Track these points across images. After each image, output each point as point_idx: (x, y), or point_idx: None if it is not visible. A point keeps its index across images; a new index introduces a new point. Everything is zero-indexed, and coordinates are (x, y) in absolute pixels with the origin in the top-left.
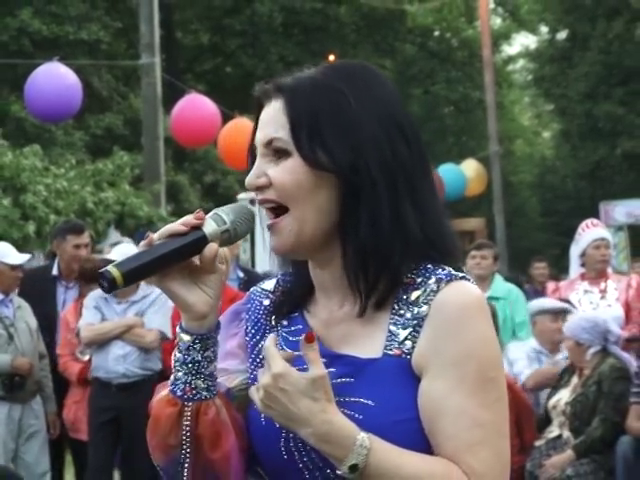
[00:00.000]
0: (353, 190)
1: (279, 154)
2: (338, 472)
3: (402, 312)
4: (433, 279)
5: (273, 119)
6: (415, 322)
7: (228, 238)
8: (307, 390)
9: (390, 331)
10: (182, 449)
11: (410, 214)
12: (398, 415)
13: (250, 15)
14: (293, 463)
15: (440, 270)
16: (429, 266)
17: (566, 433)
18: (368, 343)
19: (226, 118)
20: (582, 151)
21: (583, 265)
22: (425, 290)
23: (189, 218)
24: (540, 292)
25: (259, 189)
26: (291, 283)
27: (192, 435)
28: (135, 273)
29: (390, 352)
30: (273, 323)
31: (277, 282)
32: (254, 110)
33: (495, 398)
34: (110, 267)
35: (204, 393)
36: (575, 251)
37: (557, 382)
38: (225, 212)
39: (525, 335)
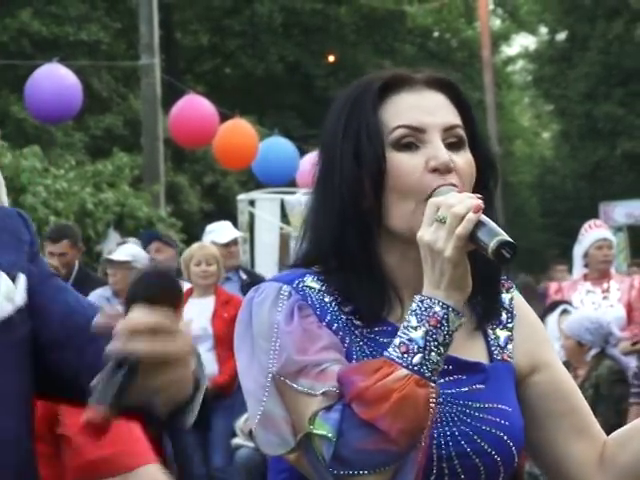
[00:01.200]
0: (489, 193)
1: (458, 144)
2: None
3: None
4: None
5: (443, 106)
6: (509, 325)
7: None
8: None
9: (487, 336)
10: (425, 431)
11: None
12: (520, 419)
13: (250, 16)
14: (432, 468)
15: None
16: None
17: None
18: (472, 349)
19: (226, 118)
20: (582, 151)
21: (586, 266)
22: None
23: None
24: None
25: (448, 171)
26: (367, 291)
27: (433, 417)
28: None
29: (498, 357)
30: (360, 331)
31: (316, 279)
32: (370, 96)
33: None
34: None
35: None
36: (578, 251)
37: None
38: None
39: None
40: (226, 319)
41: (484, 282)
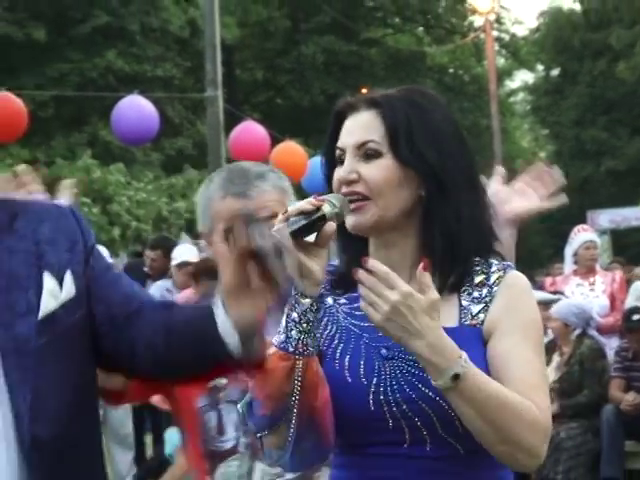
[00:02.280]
0: (440, 187)
1: (370, 155)
2: (419, 420)
3: (471, 291)
4: (494, 267)
5: (366, 125)
6: (487, 299)
7: (337, 219)
8: (427, 309)
9: (462, 306)
10: (293, 397)
11: (478, 214)
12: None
13: (297, 56)
14: (379, 413)
15: (495, 261)
16: (480, 258)
17: (555, 407)
18: (442, 317)
19: (277, 141)
20: (572, 168)
21: (576, 263)
22: (489, 275)
23: (312, 200)
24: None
25: (349, 183)
26: (346, 265)
27: (302, 385)
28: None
29: (465, 323)
30: (330, 302)
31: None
32: (331, 122)
33: (544, 356)
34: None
35: (311, 349)
36: (569, 251)
37: None
38: (334, 198)
39: None
40: None
41: (454, 261)
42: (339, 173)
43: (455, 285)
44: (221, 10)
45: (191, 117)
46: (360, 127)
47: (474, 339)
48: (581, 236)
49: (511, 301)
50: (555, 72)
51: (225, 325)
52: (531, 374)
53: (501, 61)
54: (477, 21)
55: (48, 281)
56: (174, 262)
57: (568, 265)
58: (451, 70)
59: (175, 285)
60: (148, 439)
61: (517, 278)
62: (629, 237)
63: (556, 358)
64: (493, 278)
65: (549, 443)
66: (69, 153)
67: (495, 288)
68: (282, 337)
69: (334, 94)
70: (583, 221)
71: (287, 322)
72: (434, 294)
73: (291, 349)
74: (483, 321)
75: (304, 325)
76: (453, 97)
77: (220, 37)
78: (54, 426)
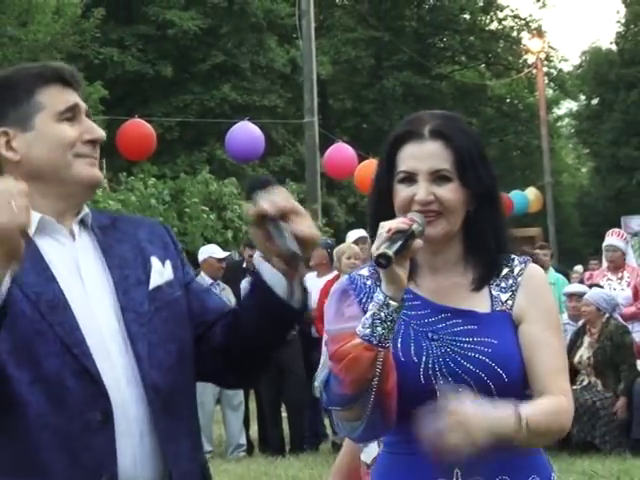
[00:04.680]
0: (491, 203)
1: (442, 180)
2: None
3: (499, 283)
4: (516, 261)
5: (436, 155)
6: (513, 288)
7: (420, 235)
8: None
9: (493, 295)
10: (373, 381)
11: (504, 223)
12: (511, 349)
13: (380, 88)
14: (429, 386)
15: (516, 256)
16: (504, 254)
17: (593, 379)
18: (477, 304)
19: (363, 159)
20: (609, 181)
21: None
22: (512, 268)
23: (406, 220)
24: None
25: (427, 203)
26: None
27: (381, 372)
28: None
29: (497, 309)
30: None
31: (369, 269)
32: (390, 144)
33: (562, 335)
34: (384, 250)
35: (389, 343)
36: (603, 250)
37: (573, 344)
38: (417, 217)
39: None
40: None
41: (488, 260)
42: (418, 194)
43: (487, 278)
44: (317, 50)
45: (292, 139)
46: (431, 156)
47: (506, 322)
48: (606, 240)
49: (534, 288)
50: (595, 101)
51: (276, 281)
52: (556, 360)
53: (550, 92)
54: (530, 59)
55: (155, 262)
56: None
57: (604, 262)
58: (508, 100)
59: None
60: (252, 405)
61: (536, 269)
62: None
63: (587, 339)
64: (516, 270)
65: (587, 410)
66: (191, 169)
67: (519, 278)
68: (367, 331)
69: None
70: (618, 225)
71: (374, 319)
72: (461, 409)
73: (375, 342)
74: (512, 306)
75: (388, 323)
76: (509, 122)
77: (316, 73)
78: (164, 373)
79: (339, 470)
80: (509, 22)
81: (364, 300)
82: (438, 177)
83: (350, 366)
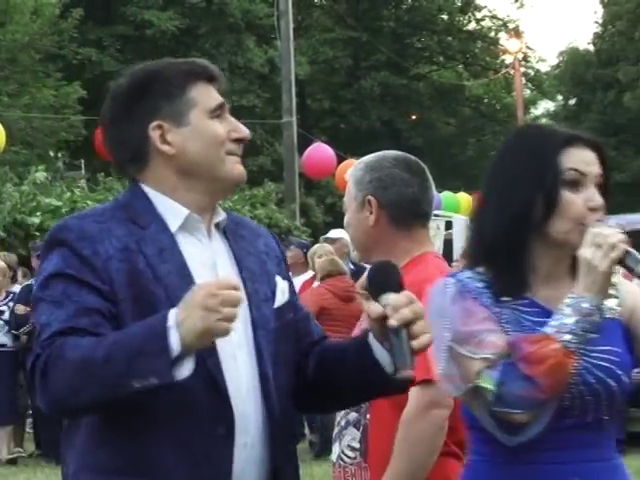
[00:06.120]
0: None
1: (600, 187)
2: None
3: None
4: None
5: (595, 162)
6: (615, 294)
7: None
8: None
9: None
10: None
11: None
12: (628, 357)
13: (357, 88)
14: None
15: None
16: None
17: None
18: None
19: (342, 159)
20: None
21: None
22: None
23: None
24: None
25: (598, 210)
26: (511, 274)
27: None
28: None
29: (608, 317)
30: (502, 299)
31: (471, 272)
32: (552, 147)
33: None
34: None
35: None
36: None
37: None
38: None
39: None
40: None
41: None
42: (594, 200)
43: None
44: (295, 51)
45: (270, 139)
46: (594, 161)
47: (617, 330)
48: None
49: (630, 292)
50: (572, 102)
51: (380, 353)
52: None
53: (527, 92)
54: (507, 59)
55: (280, 281)
56: None
57: None
58: (485, 100)
59: None
60: None
61: (622, 273)
62: (633, 238)
63: None
64: (614, 277)
65: None
66: None
67: (617, 284)
68: (569, 337)
69: (388, 120)
70: None
71: (578, 327)
72: None
73: (572, 348)
74: (620, 312)
75: (588, 333)
76: (487, 122)
77: (294, 73)
78: (281, 394)
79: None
80: (487, 22)
81: (484, 302)
82: (596, 184)
83: (554, 371)
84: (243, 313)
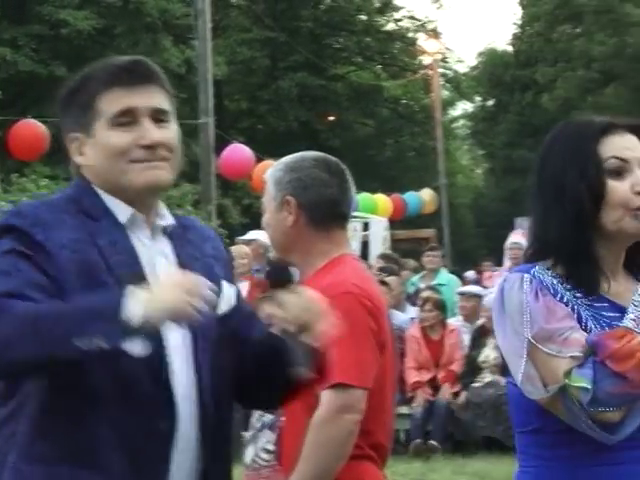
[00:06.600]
0: None
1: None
2: None
3: None
4: None
5: (638, 145)
6: None
7: None
8: None
9: None
10: None
11: None
12: None
13: (275, 89)
14: None
15: None
16: None
17: (496, 377)
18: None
19: (259, 160)
20: (503, 182)
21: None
22: None
23: None
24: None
25: None
26: (588, 277)
27: None
28: None
29: None
30: (574, 293)
31: (541, 267)
32: (590, 137)
33: None
34: None
35: None
36: (505, 249)
37: (475, 343)
38: None
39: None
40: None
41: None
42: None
43: None
44: (213, 51)
45: (187, 140)
46: (637, 145)
47: None
48: (511, 238)
49: None
50: (490, 102)
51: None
52: None
53: (445, 93)
54: (426, 60)
55: (226, 287)
56: None
57: (506, 261)
58: (404, 101)
59: None
60: None
61: None
62: None
63: (492, 340)
64: None
65: (491, 406)
66: None
67: None
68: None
69: (306, 121)
70: (512, 227)
71: None
72: None
73: None
74: None
75: None
76: (405, 123)
77: (212, 73)
78: (218, 401)
79: None
80: (405, 23)
81: (563, 299)
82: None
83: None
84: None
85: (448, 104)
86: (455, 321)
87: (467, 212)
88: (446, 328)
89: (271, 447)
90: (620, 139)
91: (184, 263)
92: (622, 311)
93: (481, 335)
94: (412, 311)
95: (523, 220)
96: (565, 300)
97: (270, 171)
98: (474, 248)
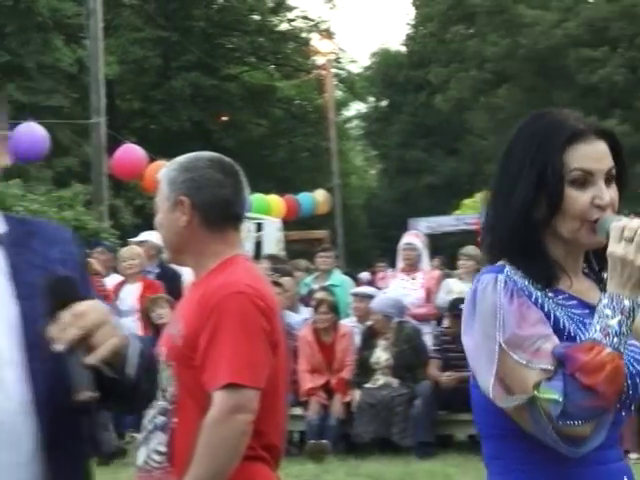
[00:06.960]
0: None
1: (609, 181)
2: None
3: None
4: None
5: (606, 154)
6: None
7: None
8: None
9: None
10: (624, 390)
11: None
12: None
13: (168, 89)
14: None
15: None
16: None
17: (390, 379)
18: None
19: (152, 160)
20: (396, 183)
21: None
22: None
23: None
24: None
25: (606, 207)
26: (544, 270)
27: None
28: None
29: None
30: (546, 294)
31: (510, 269)
32: (559, 145)
33: None
34: None
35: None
36: (399, 250)
37: (366, 344)
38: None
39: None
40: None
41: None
42: (603, 198)
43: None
44: (104, 50)
45: (78, 140)
46: (604, 155)
47: None
48: (404, 238)
49: None
50: (384, 103)
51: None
52: None
53: (339, 94)
54: (319, 60)
55: None
56: None
57: (399, 262)
58: (297, 101)
59: None
60: None
61: None
62: (443, 240)
63: (382, 342)
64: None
65: (384, 407)
66: None
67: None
68: (616, 340)
69: (199, 121)
70: (405, 228)
71: (620, 326)
72: None
73: (622, 349)
74: None
75: (630, 330)
76: (298, 124)
77: (103, 73)
78: (58, 413)
79: None
80: (299, 23)
81: (537, 302)
82: (608, 178)
83: (613, 377)
84: (14, 331)
85: (341, 104)
86: (349, 322)
87: (361, 213)
88: (338, 332)
89: (163, 449)
90: (588, 148)
91: (18, 272)
92: (590, 307)
93: (371, 336)
94: (305, 312)
95: (416, 221)
96: (540, 302)
97: (164, 171)
98: (368, 249)
